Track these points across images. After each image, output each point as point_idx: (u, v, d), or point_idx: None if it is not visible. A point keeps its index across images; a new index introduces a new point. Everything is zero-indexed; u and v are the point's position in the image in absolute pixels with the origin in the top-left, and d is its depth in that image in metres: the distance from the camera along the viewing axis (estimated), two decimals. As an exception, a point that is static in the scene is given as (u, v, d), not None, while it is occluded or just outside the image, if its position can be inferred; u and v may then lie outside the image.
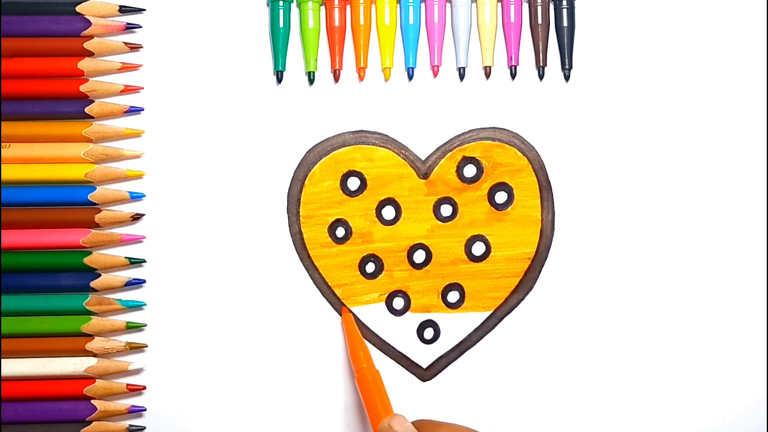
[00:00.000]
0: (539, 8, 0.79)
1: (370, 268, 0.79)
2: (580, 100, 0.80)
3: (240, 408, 0.78)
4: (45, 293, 0.77)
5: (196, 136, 0.79)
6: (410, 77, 0.80)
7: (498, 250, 0.79)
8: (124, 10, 0.79)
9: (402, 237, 0.79)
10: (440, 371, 0.79)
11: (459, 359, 0.79)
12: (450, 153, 0.79)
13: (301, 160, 0.79)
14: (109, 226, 0.78)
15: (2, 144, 0.77)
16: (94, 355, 0.77)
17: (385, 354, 0.79)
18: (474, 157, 0.79)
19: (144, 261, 0.78)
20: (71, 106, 0.78)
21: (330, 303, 0.79)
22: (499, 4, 0.80)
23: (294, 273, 0.79)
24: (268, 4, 0.79)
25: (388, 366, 0.79)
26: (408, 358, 0.79)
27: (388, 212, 0.79)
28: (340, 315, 0.79)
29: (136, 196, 0.78)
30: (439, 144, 0.79)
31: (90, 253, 0.77)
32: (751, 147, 0.80)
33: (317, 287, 0.79)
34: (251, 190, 0.79)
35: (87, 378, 0.77)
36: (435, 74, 0.80)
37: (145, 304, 0.78)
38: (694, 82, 0.80)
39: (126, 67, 0.79)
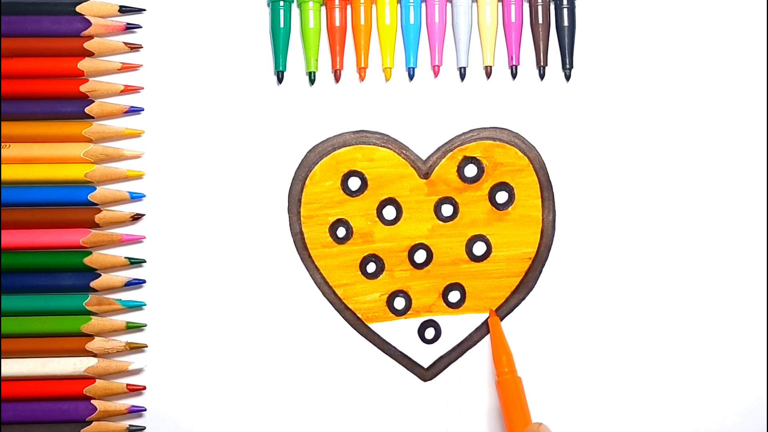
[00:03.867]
0: (540, 8, 0.79)
1: (371, 268, 0.79)
2: (580, 100, 0.80)
3: (240, 408, 0.78)
4: (45, 293, 0.77)
5: (196, 136, 0.79)
6: (411, 77, 0.80)
7: (499, 249, 0.79)
8: (124, 10, 0.79)
9: (403, 237, 0.79)
10: (441, 371, 0.79)
11: (460, 359, 0.79)
12: (451, 153, 0.79)
13: (302, 160, 0.79)
14: (109, 226, 0.78)
15: (2, 144, 0.77)
16: (94, 355, 0.77)
17: (386, 354, 0.79)
18: (475, 157, 0.79)
19: (144, 261, 0.78)
20: (71, 106, 0.77)
21: (331, 303, 0.79)
22: (500, 4, 0.80)
23: (295, 273, 0.79)
24: (268, 4, 0.79)
25: (388, 366, 0.79)
26: (409, 358, 0.79)
27: (389, 212, 0.79)
28: (342, 313, 0.79)
29: (136, 197, 0.78)
30: (440, 144, 0.80)
31: (90, 253, 0.77)
32: (751, 147, 0.80)
33: (318, 287, 0.79)
34: (252, 190, 0.79)
35: (87, 378, 0.77)
36: (436, 74, 0.80)
37: (145, 305, 0.78)
38: (694, 81, 0.80)
39: (126, 67, 0.78)
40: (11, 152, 0.77)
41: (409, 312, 0.79)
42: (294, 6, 0.79)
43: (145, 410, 0.77)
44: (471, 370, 0.79)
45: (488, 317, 0.79)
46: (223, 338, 0.78)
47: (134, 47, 0.79)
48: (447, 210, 0.79)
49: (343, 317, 0.79)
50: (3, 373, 0.76)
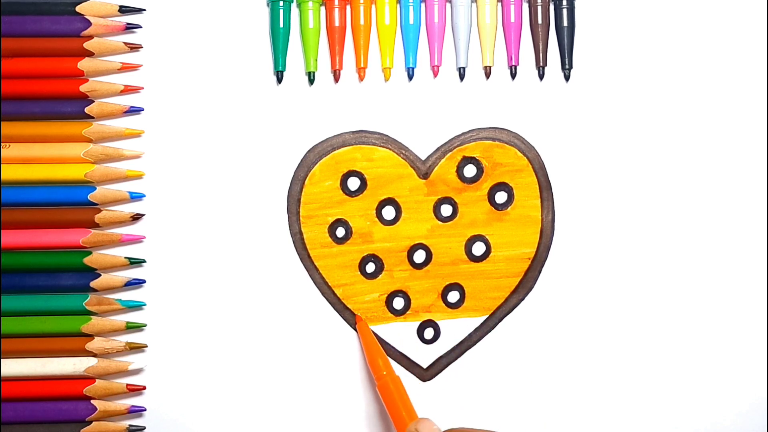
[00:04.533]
0: (539, 8, 0.79)
1: (371, 268, 0.79)
2: (580, 100, 0.80)
3: (240, 408, 0.78)
4: (45, 293, 0.77)
5: (196, 136, 0.79)
6: (410, 77, 0.80)
7: (498, 250, 0.79)
8: (124, 10, 0.79)
9: (402, 237, 0.79)
10: (440, 371, 0.79)
11: (459, 359, 0.79)
12: (450, 153, 0.79)
13: (302, 160, 0.79)
14: (109, 226, 0.78)
15: (2, 144, 0.77)
16: (94, 355, 0.77)
17: (386, 354, 0.79)
18: (474, 157, 0.79)
19: (144, 261, 0.78)
20: (71, 106, 0.78)
21: (330, 303, 0.79)
22: (499, 4, 0.80)
23: (294, 273, 0.79)
24: (268, 4, 0.79)
25: (388, 366, 0.79)
26: (408, 358, 0.79)
27: (389, 212, 0.79)
28: (341, 313, 0.79)
29: (136, 196, 0.78)
30: (439, 144, 0.80)
31: (90, 253, 0.77)
32: (751, 147, 0.80)
33: (317, 287, 0.79)
34: (251, 190, 0.79)
35: (87, 378, 0.77)
36: (435, 74, 0.80)
37: (145, 304, 0.78)
38: (694, 81, 0.80)
39: (126, 67, 0.78)
40: (11, 152, 0.77)
41: (408, 312, 0.79)
42: (294, 6, 0.79)
43: (145, 410, 0.78)
44: (470, 370, 0.79)
45: (356, 323, 0.78)
46: (223, 338, 0.78)
47: (134, 47, 0.79)
48: (446, 210, 0.79)
49: (343, 317, 0.79)
50: (3, 373, 0.76)
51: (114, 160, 0.78)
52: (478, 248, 0.79)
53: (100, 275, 0.77)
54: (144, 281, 0.78)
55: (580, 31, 0.80)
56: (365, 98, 0.80)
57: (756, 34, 0.81)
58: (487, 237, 0.79)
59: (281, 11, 0.79)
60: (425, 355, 0.79)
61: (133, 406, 0.77)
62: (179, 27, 0.79)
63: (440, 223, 0.79)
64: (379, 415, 0.79)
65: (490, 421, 0.79)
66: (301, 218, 0.79)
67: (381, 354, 0.76)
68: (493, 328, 0.79)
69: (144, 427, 0.77)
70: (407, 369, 0.79)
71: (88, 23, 0.78)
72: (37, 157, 0.77)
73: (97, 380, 0.77)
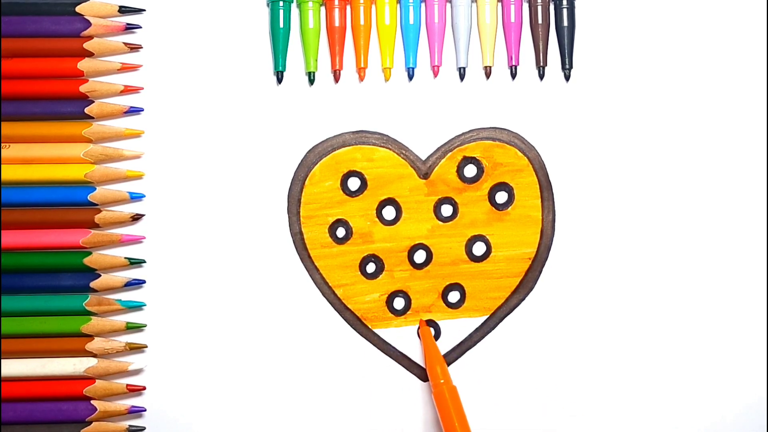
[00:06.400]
0: (539, 8, 0.79)
1: (371, 268, 0.79)
2: (580, 100, 0.80)
3: (240, 409, 0.78)
4: (45, 294, 0.77)
5: (196, 136, 0.79)
6: (410, 77, 0.80)
7: (498, 250, 0.79)
8: (123, 10, 0.79)
9: (402, 237, 0.79)
10: (441, 371, 0.79)
11: (459, 359, 0.79)
12: (450, 153, 0.79)
13: (302, 161, 0.79)
14: (109, 226, 0.78)
15: (2, 144, 0.77)
16: (94, 356, 0.77)
17: (386, 354, 0.79)
18: (474, 157, 0.79)
19: (144, 261, 0.78)
20: (71, 106, 0.77)
21: (330, 303, 0.79)
22: (500, 4, 0.80)
23: (294, 273, 0.79)
24: (268, 5, 0.79)
25: (388, 366, 0.79)
26: (408, 359, 0.79)
27: (389, 212, 0.79)
28: (341, 313, 0.79)
29: (135, 197, 0.78)
30: (440, 144, 0.80)
31: (90, 253, 0.77)
32: (751, 147, 0.80)
33: (318, 287, 0.79)
34: (251, 190, 0.79)
35: (87, 378, 0.77)
36: (435, 74, 0.80)
37: (145, 305, 0.78)
38: (694, 81, 0.80)
39: (126, 68, 0.79)
40: (11, 152, 0.77)
41: (408, 312, 0.79)
42: (294, 6, 0.79)
43: (145, 410, 0.78)
44: (471, 371, 0.79)
45: (419, 328, 0.78)
46: (223, 338, 0.78)
47: (134, 47, 0.79)
48: (447, 210, 0.79)
49: (343, 317, 0.79)
50: (3, 374, 0.76)
51: (114, 160, 0.78)
52: (479, 248, 0.79)
53: (100, 275, 0.77)
54: (144, 281, 0.78)
55: (580, 31, 0.80)
56: (365, 98, 0.80)
57: (756, 34, 0.81)
58: (487, 237, 0.79)
59: (281, 11, 0.79)
60: (426, 355, 0.79)
61: (133, 406, 0.77)
62: (179, 27, 0.79)
63: (440, 223, 0.79)
64: (378, 416, 0.79)
65: (490, 422, 0.79)
66: (301, 218, 0.79)
67: (440, 362, 0.76)
68: (493, 328, 0.79)
69: (144, 428, 0.77)
70: (407, 369, 0.79)
71: (88, 23, 0.78)
72: (37, 158, 0.77)
73: (97, 380, 0.77)
